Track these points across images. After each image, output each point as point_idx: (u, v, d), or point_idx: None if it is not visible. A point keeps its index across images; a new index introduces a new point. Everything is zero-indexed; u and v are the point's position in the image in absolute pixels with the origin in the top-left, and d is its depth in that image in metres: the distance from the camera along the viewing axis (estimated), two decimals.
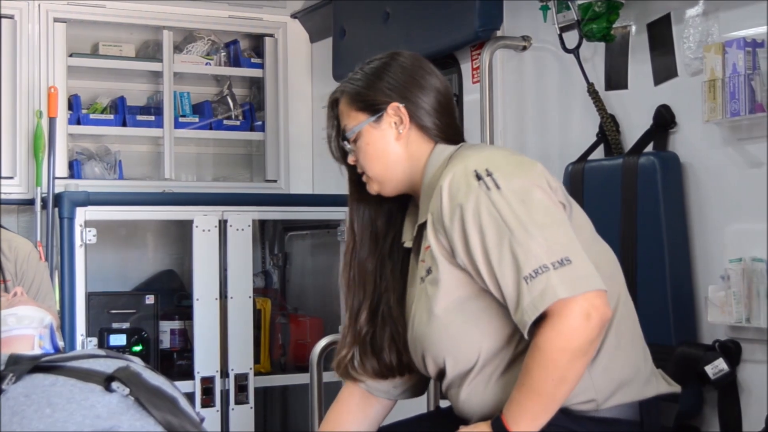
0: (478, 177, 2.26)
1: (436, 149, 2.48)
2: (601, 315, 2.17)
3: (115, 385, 1.95)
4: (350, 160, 2.56)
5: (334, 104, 2.61)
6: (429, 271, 2.38)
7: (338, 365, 2.69)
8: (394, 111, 2.47)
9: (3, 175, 4.64)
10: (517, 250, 2.19)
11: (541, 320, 2.19)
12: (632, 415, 2.37)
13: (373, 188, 2.55)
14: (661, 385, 2.44)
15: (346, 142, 2.54)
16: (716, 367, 2.88)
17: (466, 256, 2.28)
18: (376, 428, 2.73)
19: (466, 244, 2.27)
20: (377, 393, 2.70)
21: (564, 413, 2.30)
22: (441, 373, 2.45)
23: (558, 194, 2.34)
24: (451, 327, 2.35)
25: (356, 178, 2.61)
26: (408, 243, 2.54)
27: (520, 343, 2.30)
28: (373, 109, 2.49)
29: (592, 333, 2.17)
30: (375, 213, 2.64)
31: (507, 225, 2.21)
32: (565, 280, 2.15)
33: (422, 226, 2.43)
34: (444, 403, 2.86)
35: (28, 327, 2.45)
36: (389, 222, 2.63)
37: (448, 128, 2.51)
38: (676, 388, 2.48)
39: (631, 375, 2.37)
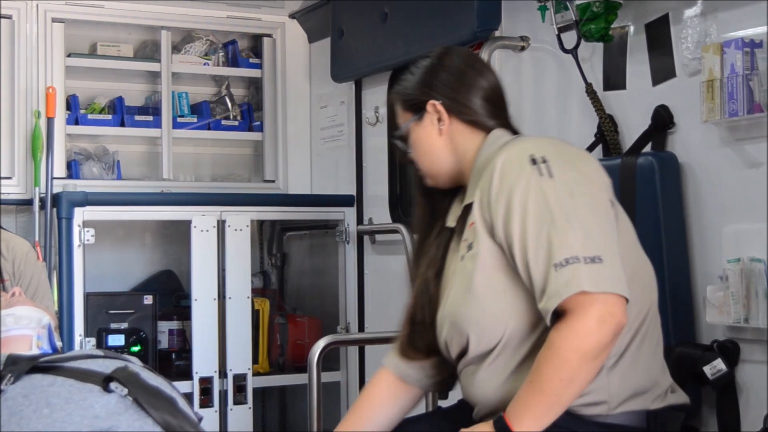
0: (534, 161, 2.29)
1: (492, 134, 2.52)
2: (617, 322, 2.17)
3: (113, 385, 1.95)
4: (409, 157, 2.64)
5: (392, 106, 2.71)
6: (470, 247, 2.40)
7: (397, 343, 2.73)
8: (432, 108, 2.53)
9: (1, 175, 4.64)
10: (554, 238, 2.21)
11: (559, 318, 2.20)
12: (639, 423, 2.37)
13: (428, 182, 2.63)
14: (673, 398, 2.45)
15: (398, 141, 2.63)
16: (714, 368, 2.88)
17: (504, 234, 2.30)
18: (403, 417, 2.74)
19: (507, 223, 2.29)
20: (409, 380, 2.71)
21: (571, 416, 2.30)
22: (462, 353, 2.45)
23: (609, 193, 2.36)
24: (482, 299, 2.36)
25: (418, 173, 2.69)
26: (451, 222, 2.56)
27: (544, 334, 2.29)
28: (416, 108, 2.57)
29: (606, 338, 2.17)
30: (437, 203, 2.67)
31: (550, 212, 2.23)
32: (593, 276, 2.16)
33: (468, 207, 2.46)
34: (444, 404, 2.86)
35: (26, 327, 2.45)
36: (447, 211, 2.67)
37: (500, 119, 2.55)
38: (685, 399, 2.49)
39: (647, 386, 2.38)
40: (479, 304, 2.37)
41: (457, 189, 2.61)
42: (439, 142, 2.54)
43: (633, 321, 2.34)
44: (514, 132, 2.56)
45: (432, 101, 2.53)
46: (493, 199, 2.33)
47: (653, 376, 2.40)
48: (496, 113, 2.54)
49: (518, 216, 2.27)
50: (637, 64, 3.30)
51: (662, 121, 3.17)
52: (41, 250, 4.47)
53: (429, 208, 2.68)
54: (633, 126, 3.29)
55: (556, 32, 3.45)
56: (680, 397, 2.48)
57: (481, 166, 2.46)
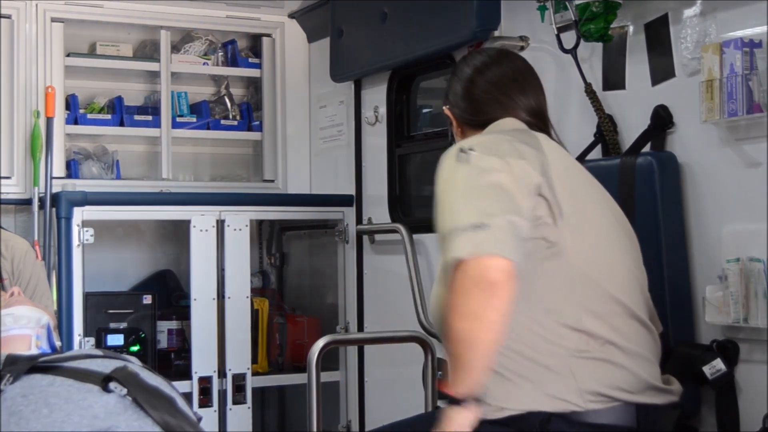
0: (461, 150, 2.44)
1: (494, 123, 2.69)
2: (489, 281, 2.22)
3: (112, 385, 1.95)
4: None
5: None
6: None
7: None
8: (446, 112, 2.80)
9: (1, 174, 4.64)
10: (449, 209, 2.36)
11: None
12: (629, 421, 2.39)
13: None
14: (660, 397, 2.46)
15: None
16: (714, 368, 2.87)
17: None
18: None
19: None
20: None
21: (562, 418, 2.34)
22: None
23: (533, 187, 2.39)
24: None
25: None
26: None
27: None
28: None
29: (479, 297, 2.23)
30: None
31: (454, 189, 2.39)
32: (473, 242, 2.25)
33: None
34: (442, 404, 2.86)
35: (25, 327, 2.45)
36: None
37: (505, 108, 2.70)
38: (673, 397, 2.50)
39: (622, 385, 2.40)
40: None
41: None
42: (460, 136, 2.76)
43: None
44: (530, 120, 2.67)
45: (445, 107, 2.80)
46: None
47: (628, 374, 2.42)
48: (494, 107, 2.69)
49: (437, 188, 2.45)
50: (637, 64, 3.29)
51: (661, 121, 3.17)
52: (40, 250, 4.47)
53: None
54: (632, 126, 3.28)
55: (556, 32, 3.45)
56: (669, 395, 2.49)
57: None
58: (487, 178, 2.35)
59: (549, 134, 2.68)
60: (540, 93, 2.73)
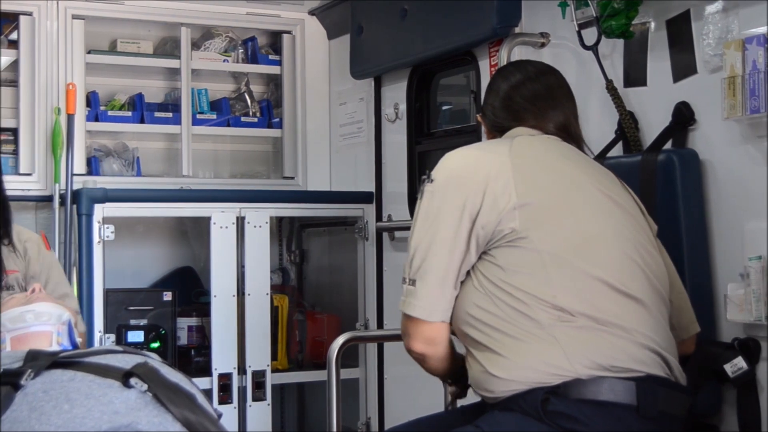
0: (425, 180, 2.64)
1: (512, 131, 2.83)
2: (409, 341, 2.61)
3: (133, 381, 1.95)
4: None
5: None
6: None
7: None
8: (481, 119, 2.92)
9: (22, 171, 4.66)
10: (412, 234, 2.62)
11: None
12: (629, 399, 2.40)
13: None
14: (655, 369, 2.48)
15: None
16: (735, 366, 2.86)
17: None
18: None
19: None
20: None
21: (557, 395, 2.38)
22: None
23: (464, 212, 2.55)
24: None
25: None
26: None
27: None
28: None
29: (408, 347, 2.63)
30: None
31: (411, 231, 2.62)
32: (406, 298, 2.58)
33: None
34: (460, 402, 2.86)
35: (46, 324, 2.45)
36: None
37: (520, 119, 2.82)
38: (670, 375, 2.51)
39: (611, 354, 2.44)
40: None
41: None
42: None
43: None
44: (556, 133, 2.78)
45: (478, 115, 2.95)
46: None
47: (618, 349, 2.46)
48: (514, 116, 2.81)
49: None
50: (658, 61, 3.28)
51: (683, 117, 3.15)
52: (56, 246, 4.48)
53: None
54: (654, 123, 3.27)
55: (577, 29, 3.44)
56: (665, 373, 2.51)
57: None
58: (430, 221, 2.56)
59: (578, 145, 2.79)
60: (567, 107, 2.85)
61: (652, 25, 3.31)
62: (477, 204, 2.51)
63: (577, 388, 2.39)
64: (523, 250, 2.47)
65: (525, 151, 2.62)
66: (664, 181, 3.06)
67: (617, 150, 3.38)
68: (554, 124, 2.76)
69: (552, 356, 2.41)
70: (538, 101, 2.78)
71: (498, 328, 2.46)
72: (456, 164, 2.64)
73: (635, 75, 3.38)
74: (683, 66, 3.18)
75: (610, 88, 3.37)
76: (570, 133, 2.78)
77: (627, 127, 3.32)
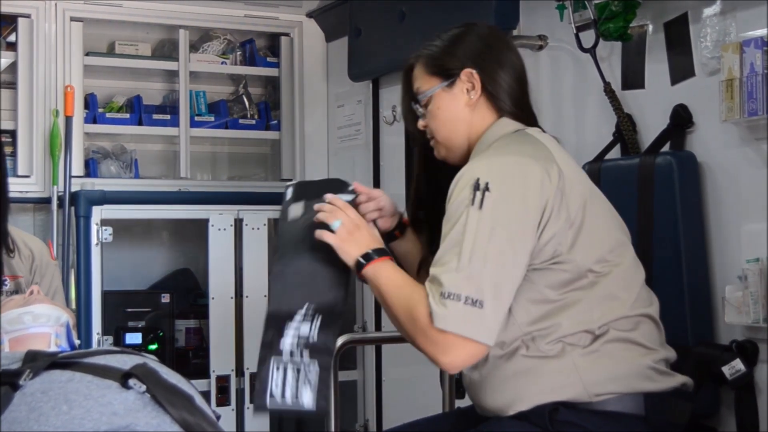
0: (476, 187, 2.32)
1: (500, 122, 2.54)
2: (456, 366, 2.32)
3: (132, 381, 1.95)
4: (420, 124, 2.62)
5: (409, 70, 2.67)
6: None
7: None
8: (467, 77, 2.53)
9: (20, 173, 4.66)
10: (455, 264, 2.28)
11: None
12: (637, 410, 2.39)
13: (440, 152, 2.62)
14: (665, 382, 2.45)
15: (417, 106, 2.60)
16: (733, 368, 2.86)
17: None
18: None
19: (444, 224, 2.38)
20: None
21: (567, 407, 2.34)
22: None
23: (554, 217, 2.34)
24: None
25: (425, 144, 2.66)
26: None
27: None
28: (447, 74, 2.55)
29: (437, 361, 2.31)
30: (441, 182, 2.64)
31: (461, 244, 2.29)
32: (466, 319, 2.25)
33: None
34: (458, 403, 2.86)
35: (45, 325, 2.45)
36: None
37: (519, 104, 2.57)
38: (678, 381, 2.49)
39: (625, 369, 2.40)
40: None
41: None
42: (464, 112, 2.55)
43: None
44: (529, 120, 2.57)
45: (469, 69, 2.52)
46: (447, 205, 2.39)
47: (631, 358, 2.41)
48: (518, 96, 2.56)
49: (446, 224, 2.36)
50: (656, 63, 3.28)
51: (681, 120, 3.15)
52: (55, 248, 4.48)
53: (434, 185, 2.67)
54: (651, 125, 3.28)
55: (575, 31, 3.44)
56: (675, 380, 2.48)
57: (482, 148, 2.51)
58: (498, 237, 2.29)
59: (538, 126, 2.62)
60: None
61: (650, 27, 3.31)
62: (542, 220, 2.34)
63: (587, 402, 2.38)
64: (593, 287, 2.39)
65: (563, 158, 2.46)
66: (662, 184, 3.06)
67: (615, 152, 3.38)
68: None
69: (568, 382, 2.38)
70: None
71: (521, 353, 2.40)
72: (514, 174, 2.36)
73: (633, 77, 3.38)
74: (681, 68, 3.19)
75: (608, 90, 3.37)
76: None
77: (625, 129, 3.33)
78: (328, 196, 2.57)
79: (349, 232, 2.48)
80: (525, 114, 2.58)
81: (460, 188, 2.35)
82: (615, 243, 2.46)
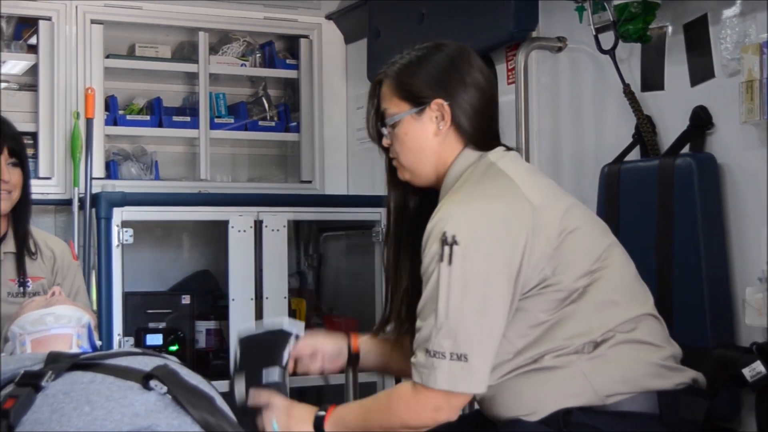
0: (444, 242, 2.30)
1: (463, 154, 2.52)
2: (448, 416, 2.33)
3: (153, 383, 1.96)
4: (385, 142, 2.62)
5: (378, 84, 2.62)
6: None
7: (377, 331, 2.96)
8: (438, 107, 2.49)
9: (41, 175, 4.68)
10: (433, 321, 2.30)
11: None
12: (651, 408, 2.40)
13: (404, 175, 2.62)
14: (676, 377, 2.45)
15: (383, 127, 2.58)
16: (754, 370, 2.85)
17: None
18: None
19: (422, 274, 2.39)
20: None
21: (581, 409, 2.35)
22: None
23: (539, 244, 2.34)
24: None
25: (391, 160, 2.67)
26: None
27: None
28: (417, 101, 2.51)
29: (431, 424, 2.34)
30: (408, 197, 2.70)
31: (437, 295, 2.29)
32: (452, 374, 2.27)
33: None
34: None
35: (66, 326, 2.47)
36: (421, 207, 2.66)
37: (482, 132, 2.54)
38: (684, 377, 2.48)
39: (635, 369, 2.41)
40: None
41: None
42: (431, 142, 2.52)
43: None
44: (491, 143, 2.54)
45: (440, 100, 2.48)
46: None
47: (638, 358, 2.42)
48: (482, 118, 2.52)
49: (423, 284, 2.36)
50: (676, 65, 3.28)
51: (701, 121, 3.15)
52: (77, 249, 4.49)
53: (401, 200, 2.71)
54: (671, 127, 3.27)
55: (594, 33, 3.43)
56: (686, 375, 2.48)
57: (449, 184, 2.50)
58: (471, 292, 2.28)
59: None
60: None
61: (670, 29, 3.30)
62: (518, 263, 2.32)
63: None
64: (583, 298, 2.40)
65: (530, 186, 2.42)
66: (682, 186, 3.05)
67: (635, 154, 3.38)
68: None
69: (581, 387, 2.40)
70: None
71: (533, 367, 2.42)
72: (481, 223, 2.33)
73: (652, 79, 3.37)
74: (701, 70, 3.18)
75: (628, 92, 3.36)
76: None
77: (644, 131, 3.32)
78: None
79: (289, 417, 2.49)
80: (488, 136, 2.55)
81: (430, 243, 2.33)
82: (601, 249, 2.46)
